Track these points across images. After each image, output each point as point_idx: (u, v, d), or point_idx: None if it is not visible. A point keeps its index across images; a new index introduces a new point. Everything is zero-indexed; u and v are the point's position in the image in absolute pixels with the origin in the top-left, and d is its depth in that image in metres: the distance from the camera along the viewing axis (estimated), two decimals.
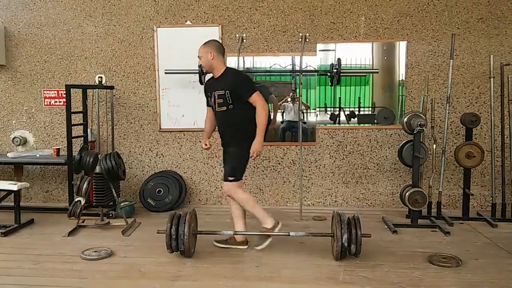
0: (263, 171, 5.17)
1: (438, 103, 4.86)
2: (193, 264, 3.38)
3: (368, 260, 3.41)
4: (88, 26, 5.24)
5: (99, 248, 3.69)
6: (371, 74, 5.05)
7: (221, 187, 5.18)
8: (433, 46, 4.91)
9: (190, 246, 3.44)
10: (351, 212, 3.71)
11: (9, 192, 4.34)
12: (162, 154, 5.29)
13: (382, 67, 5.05)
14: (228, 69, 3.58)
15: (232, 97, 3.43)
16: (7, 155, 5.08)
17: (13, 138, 5.35)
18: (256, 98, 3.43)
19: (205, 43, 3.60)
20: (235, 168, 3.58)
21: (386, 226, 4.35)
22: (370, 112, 5.11)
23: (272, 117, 3.71)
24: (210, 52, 3.50)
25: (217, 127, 3.73)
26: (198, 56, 3.57)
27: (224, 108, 3.50)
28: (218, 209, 5.08)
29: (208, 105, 3.70)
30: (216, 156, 5.00)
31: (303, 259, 3.49)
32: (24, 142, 5.37)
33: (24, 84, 5.37)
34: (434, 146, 4.57)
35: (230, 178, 3.56)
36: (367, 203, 5.12)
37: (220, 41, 4.96)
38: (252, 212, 3.61)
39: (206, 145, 3.79)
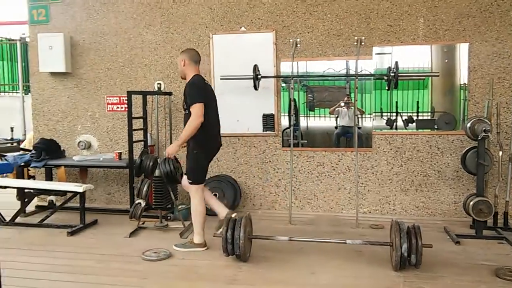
0: (317, 177, 5.13)
1: (504, 107, 4.62)
2: (248, 268, 3.40)
3: (429, 271, 3.29)
4: (147, 35, 5.44)
5: (159, 249, 3.79)
6: (430, 78, 4.88)
7: (275, 192, 5.20)
8: (498, 47, 4.67)
9: (246, 251, 3.47)
10: (410, 221, 3.60)
11: (75, 193, 4.58)
12: (217, 159, 5.35)
13: (442, 70, 4.86)
14: (192, 77, 3.75)
15: (186, 103, 3.67)
16: (73, 158, 5.36)
17: (79, 142, 5.63)
18: (193, 110, 3.58)
19: (182, 51, 3.92)
20: (191, 169, 3.77)
21: (448, 237, 4.18)
22: (429, 117, 4.93)
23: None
24: (183, 60, 3.79)
25: None
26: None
27: (186, 111, 3.72)
28: (272, 214, 5.09)
29: None
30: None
31: (360, 268, 3.42)
32: (88, 146, 5.63)
33: (88, 91, 5.65)
34: (500, 153, 4.34)
35: (189, 181, 3.77)
36: (427, 212, 4.94)
37: (274, 46, 5.01)
38: (193, 220, 3.79)
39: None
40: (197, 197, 3.78)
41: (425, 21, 4.79)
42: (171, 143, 5.29)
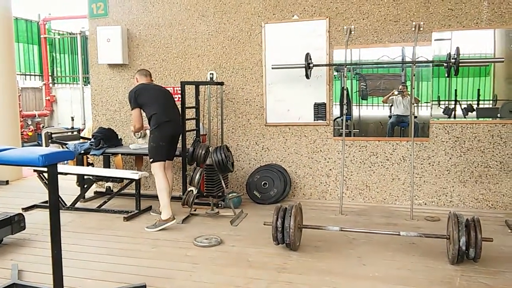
0: (370, 167, 5.02)
1: None
2: (298, 257, 3.38)
3: (488, 266, 3.14)
4: (200, 25, 5.51)
5: (210, 236, 3.87)
6: (492, 64, 4.62)
7: (325, 182, 5.14)
8: None
9: (296, 240, 3.46)
10: (468, 214, 3.45)
11: (131, 180, 4.75)
12: (267, 148, 5.38)
13: (507, 56, 4.54)
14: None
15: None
16: (130, 146, 5.56)
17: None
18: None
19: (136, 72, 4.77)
20: (150, 149, 4.37)
21: (510, 230, 3.98)
22: (491, 106, 4.67)
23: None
24: (136, 78, 4.65)
25: None
26: None
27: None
28: (322, 204, 5.04)
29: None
30: None
31: (414, 260, 3.31)
32: (144, 135, 5.76)
33: None
34: None
35: (150, 160, 4.36)
36: (487, 205, 4.71)
37: (327, 34, 4.92)
38: (159, 196, 4.23)
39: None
40: (159, 174, 4.25)
41: (490, 4, 4.53)
42: (222, 133, 5.36)
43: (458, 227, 3.05)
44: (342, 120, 4.81)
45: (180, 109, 4.69)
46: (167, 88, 4.83)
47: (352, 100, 5.00)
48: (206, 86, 5.36)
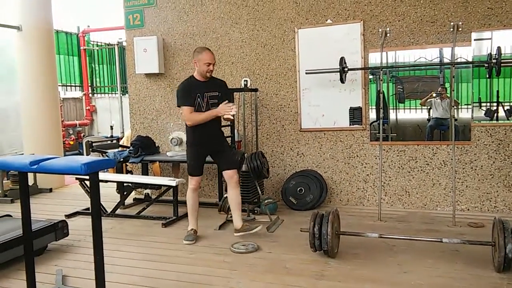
0: (409, 171, 4.90)
1: None
2: (336, 265, 3.33)
3: None
4: (234, 33, 5.55)
5: (247, 242, 3.87)
6: None
7: (363, 188, 5.04)
8: None
9: (334, 246, 3.41)
10: None
11: (169, 187, 4.82)
12: (302, 154, 5.34)
13: None
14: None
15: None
16: (167, 154, 5.63)
17: (171, 139, 5.86)
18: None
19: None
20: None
21: None
22: None
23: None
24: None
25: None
26: (213, 63, 3.94)
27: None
28: (360, 210, 4.95)
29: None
30: None
31: (457, 268, 3.20)
32: (180, 142, 5.82)
33: None
34: None
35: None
36: None
37: (362, 37, 4.85)
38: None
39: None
40: (188, 187, 4.05)
41: None
42: (257, 139, 5.36)
43: (504, 233, 2.94)
44: (378, 124, 4.71)
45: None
46: None
47: (388, 104, 4.91)
48: (241, 92, 5.38)
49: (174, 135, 5.91)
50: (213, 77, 4.01)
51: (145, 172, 5.82)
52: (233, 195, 4.02)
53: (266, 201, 4.76)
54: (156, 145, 5.94)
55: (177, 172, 5.81)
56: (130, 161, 5.52)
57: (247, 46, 5.49)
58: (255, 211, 4.82)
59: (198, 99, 3.89)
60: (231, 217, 4.63)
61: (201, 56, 3.89)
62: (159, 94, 6.04)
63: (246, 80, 5.46)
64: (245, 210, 4.67)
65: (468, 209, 4.70)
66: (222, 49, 5.62)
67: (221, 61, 5.61)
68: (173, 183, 4.74)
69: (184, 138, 5.86)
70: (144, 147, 5.59)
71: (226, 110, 3.76)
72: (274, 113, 5.42)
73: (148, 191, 5.73)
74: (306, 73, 4.97)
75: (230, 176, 4.00)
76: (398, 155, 4.93)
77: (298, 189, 5.09)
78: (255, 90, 5.37)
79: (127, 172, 6.26)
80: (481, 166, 4.64)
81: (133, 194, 5.81)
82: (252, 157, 4.60)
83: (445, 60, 4.67)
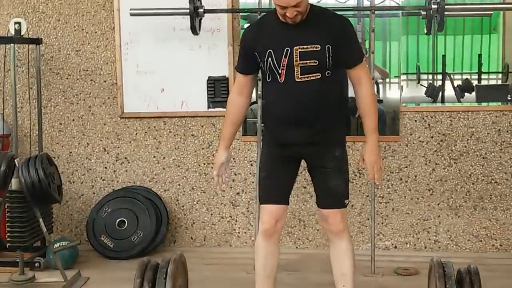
0: (305, 187, 3.68)
1: None
2: None
3: None
4: None
5: None
6: (501, 14, 3.68)
7: (230, 216, 3.81)
8: None
9: None
10: (465, 261, 2.79)
11: None
12: (126, 158, 3.90)
13: None
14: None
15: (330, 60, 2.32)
16: None
17: None
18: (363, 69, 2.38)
19: None
20: (347, 182, 2.52)
21: None
22: (500, 82, 3.81)
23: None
24: None
25: (286, 112, 2.42)
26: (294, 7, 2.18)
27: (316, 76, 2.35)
28: (225, 255, 3.73)
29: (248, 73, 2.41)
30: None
31: None
32: None
33: None
34: None
35: (346, 201, 2.54)
36: (493, 245, 3.51)
37: None
38: None
39: (220, 169, 2.50)
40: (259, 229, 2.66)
41: None
42: (40, 132, 3.84)
43: (445, 284, 2.36)
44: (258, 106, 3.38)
45: None
46: None
47: None
48: (7, 45, 3.90)
49: None
50: (313, 15, 2.32)
51: None
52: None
53: (57, 244, 3.63)
54: None
55: None
56: None
57: None
58: (37, 264, 3.61)
59: (270, 58, 2.30)
60: None
61: None
62: None
63: (19, 23, 3.82)
64: (17, 263, 3.53)
65: (395, 246, 3.63)
66: None
67: None
68: None
69: None
70: None
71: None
72: (74, 84, 3.96)
73: None
74: (131, 15, 3.67)
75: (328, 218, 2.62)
76: None
77: (118, 221, 3.86)
78: (37, 41, 3.85)
79: None
80: (415, 175, 3.58)
81: None
82: (29, 165, 3.55)
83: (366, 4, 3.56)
